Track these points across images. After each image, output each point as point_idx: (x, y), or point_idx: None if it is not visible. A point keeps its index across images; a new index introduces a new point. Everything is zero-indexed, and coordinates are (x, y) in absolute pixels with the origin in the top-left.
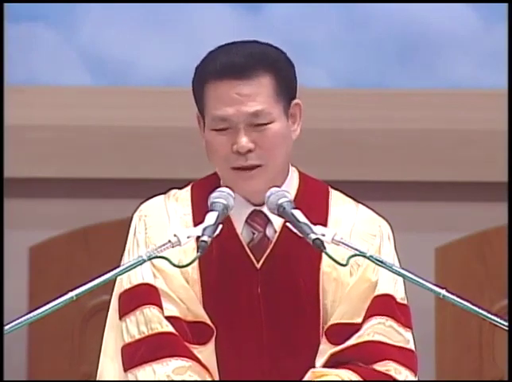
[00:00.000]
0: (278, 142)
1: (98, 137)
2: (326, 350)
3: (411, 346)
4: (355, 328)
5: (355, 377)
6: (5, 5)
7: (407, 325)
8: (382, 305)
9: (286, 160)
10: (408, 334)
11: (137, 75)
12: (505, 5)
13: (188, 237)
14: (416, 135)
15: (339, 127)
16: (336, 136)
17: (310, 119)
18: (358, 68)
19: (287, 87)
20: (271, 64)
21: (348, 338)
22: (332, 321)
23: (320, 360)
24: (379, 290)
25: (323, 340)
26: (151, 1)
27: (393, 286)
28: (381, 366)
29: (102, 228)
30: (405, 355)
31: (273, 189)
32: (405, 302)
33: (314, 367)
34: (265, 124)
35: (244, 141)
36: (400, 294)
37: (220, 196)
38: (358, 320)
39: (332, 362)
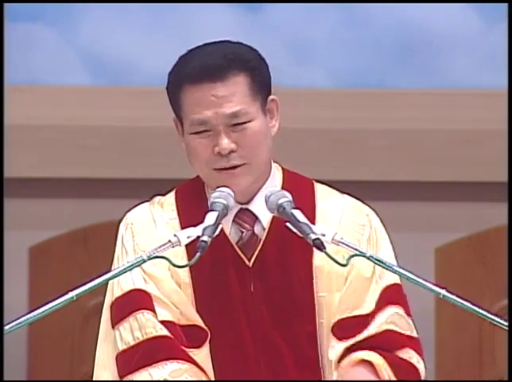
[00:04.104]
0: (259, 139)
1: (98, 137)
2: (336, 347)
3: (416, 334)
4: (360, 319)
5: (382, 361)
6: (5, 5)
7: (409, 313)
8: (395, 295)
9: (268, 157)
10: (411, 322)
11: (137, 75)
12: (505, 5)
13: (188, 237)
14: (416, 135)
15: (338, 127)
16: (336, 136)
17: (310, 119)
18: (358, 68)
19: (262, 85)
20: (245, 63)
21: (355, 330)
22: (337, 317)
23: (333, 353)
24: (388, 280)
25: (331, 336)
26: (151, 2)
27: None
28: (403, 353)
29: (102, 228)
30: (417, 344)
31: (273, 189)
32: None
33: (312, 361)
34: (244, 123)
35: (225, 142)
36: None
37: (220, 196)
38: (362, 312)
39: (346, 354)
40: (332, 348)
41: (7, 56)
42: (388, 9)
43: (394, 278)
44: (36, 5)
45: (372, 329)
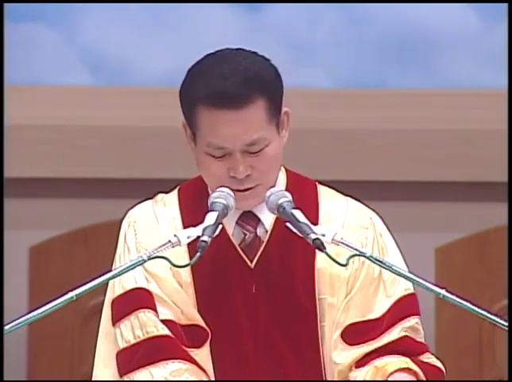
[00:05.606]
0: (274, 162)
1: (98, 137)
2: (347, 352)
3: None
4: (371, 324)
5: (412, 364)
6: (5, 5)
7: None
8: (413, 305)
9: (279, 171)
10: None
11: (137, 75)
12: (505, 5)
13: (188, 237)
14: (416, 135)
15: (339, 127)
16: (336, 136)
17: (310, 119)
18: (358, 68)
19: (278, 104)
20: (265, 87)
21: (368, 335)
22: (347, 322)
23: (344, 357)
24: (405, 290)
25: (339, 341)
26: (151, 2)
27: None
28: (425, 358)
29: (102, 228)
30: (429, 350)
31: (273, 189)
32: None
33: (313, 363)
34: (261, 149)
35: (242, 168)
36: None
37: (220, 196)
38: (372, 316)
39: (367, 360)
40: (343, 352)
41: (7, 56)
42: (388, 9)
43: (410, 285)
44: (36, 6)
45: (393, 335)
